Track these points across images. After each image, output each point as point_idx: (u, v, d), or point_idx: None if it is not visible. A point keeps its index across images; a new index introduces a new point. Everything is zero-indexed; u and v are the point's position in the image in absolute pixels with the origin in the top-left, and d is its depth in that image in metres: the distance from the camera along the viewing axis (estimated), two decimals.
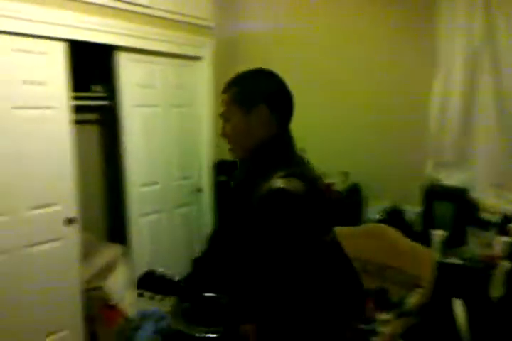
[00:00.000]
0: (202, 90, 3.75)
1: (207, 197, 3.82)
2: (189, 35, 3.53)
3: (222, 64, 3.78)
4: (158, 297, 1.58)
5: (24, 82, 2.53)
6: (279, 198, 1.24)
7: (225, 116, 1.42)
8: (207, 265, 1.69)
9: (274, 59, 3.60)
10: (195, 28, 3.57)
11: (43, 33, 2.57)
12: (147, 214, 3.35)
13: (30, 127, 2.57)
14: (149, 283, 1.57)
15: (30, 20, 2.50)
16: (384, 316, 2.34)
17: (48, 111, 2.66)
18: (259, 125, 1.37)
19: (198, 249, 3.60)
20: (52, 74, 2.67)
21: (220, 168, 3.75)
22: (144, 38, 3.16)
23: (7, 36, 2.43)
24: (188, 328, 2.23)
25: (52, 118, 2.67)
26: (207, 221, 3.80)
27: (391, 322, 2.31)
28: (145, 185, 3.32)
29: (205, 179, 3.81)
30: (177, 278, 1.59)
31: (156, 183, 3.41)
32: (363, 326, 2.23)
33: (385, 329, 2.25)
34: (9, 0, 2.40)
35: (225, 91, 1.43)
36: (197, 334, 2.19)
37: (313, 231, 1.29)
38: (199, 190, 3.76)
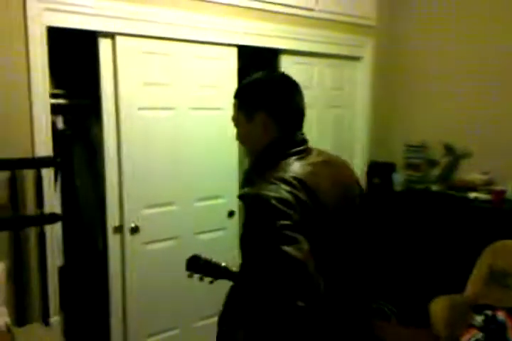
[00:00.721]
0: (360, 91, 3.73)
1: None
2: (350, 36, 3.53)
3: (381, 64, 3.71)
4: (207, 279, 1.68)
5: (201, 85, 2.79)
6: (252, 203, 1.26)
7: (234, 121, 1.45)
8: None
9: (440, 59, 3.45)
10: (356, 27, 3.55)
11: (215, 39, 2.79)
12: None
13: (204, 127, 2.82)
14: (197, 266, 1.68)
15: (207, 29, 2.73)
16: None
17: (216, 112, 2.89)
18: (260, 131, 1.38)
19: None
20: (224, 78, 2.89)
21: (374, 169, 3.69)
22: (306, 41, 3.24)
23: (188, 44, 2.70)
24: None
25: (221, 118, 2.90)
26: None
27: None
28: None
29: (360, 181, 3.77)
30: (223, 264, 1.67)
31: None
32: None
33: None
34: (192, 11, 2.66)
35: (235, 96, 1.44)
36: None
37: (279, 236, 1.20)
38: None
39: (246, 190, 1.32)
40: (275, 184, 1.25)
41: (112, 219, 2.54)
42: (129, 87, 2.51)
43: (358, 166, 3.74)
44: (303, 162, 1.36)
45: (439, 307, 2.51)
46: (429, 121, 3.58)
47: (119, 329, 2.60)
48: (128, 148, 2.54)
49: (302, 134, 1.43)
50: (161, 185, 2.69)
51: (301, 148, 1.40)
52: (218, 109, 2.87)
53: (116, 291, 2.57)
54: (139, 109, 2.56)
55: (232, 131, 1.48)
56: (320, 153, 1.47)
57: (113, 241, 2.55)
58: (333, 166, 1.46)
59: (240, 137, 1.45)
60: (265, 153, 1.39)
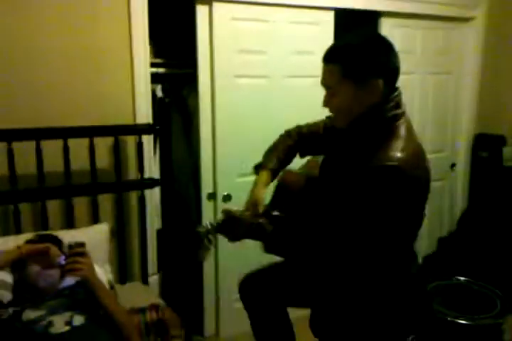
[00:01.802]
0: (468, 57, 3.41)
1: (461, 174, 3.55)
2: None
3: (495, 27, 3.34)
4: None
5: (297, 52, 2.70)
6: (391, 175, 1.24)
7: (330, 88, 1.34)
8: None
9: None
10: None
11: (313, 3, 2.67)
12: None
13: (301, 95, 2.74)
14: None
15: None
16: None
17: (312, 80, 2.79)
18: (369, 98, 1.33)
19: (446, 228, 3.42)
20: (320, 44, 2.77)
21: (480, 142, 3.41)
22: (409, 1, 3.00)
23: (284, 8, 2.61)
24: None
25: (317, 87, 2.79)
26: (459, 199, 3.56)
27: None
28: None
29: (462, 154, 3.53)
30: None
31: None
32: None
33: None
34: None
35: (334, 60, 1.32)
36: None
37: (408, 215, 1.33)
38: (453, 165, 3.51)
39: (377, 160, 1.27)
40: (405, 156, 1.26)
41: (206, 186, 2.60)
42: (225, 54, 2.50)
43: (463, 138, 3.48)
44: (408, 125, 1.36)
45: None
46: None
47: (212, 290, 2.69)
48: (222, 116, 2.55)
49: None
50: (254, 153, 2.69)
51: (403, 109, 1.38)
52: (314, 76, 2.77)
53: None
54: (235, 76, 2.55)
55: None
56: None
57: (207, 207, 2.62)
58: None
59: (338, 104, 1.36)
60: (370, 118, 1.34)
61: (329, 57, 1.36)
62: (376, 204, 1.25)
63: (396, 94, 1.37)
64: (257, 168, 1.73)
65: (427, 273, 2.77)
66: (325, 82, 1.37)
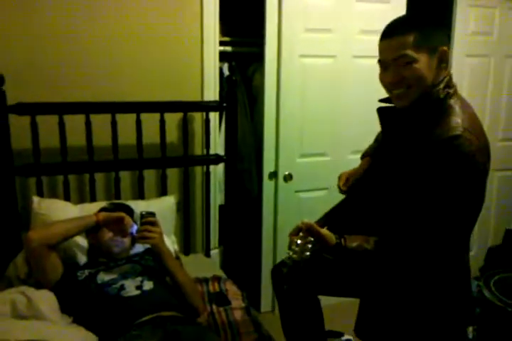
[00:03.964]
0: None
1: None
2: None
3: None
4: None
5: (364, 31, 2.64)
6: (457, 145, 1.26)
7: (401, 60, 1.33)
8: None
9: None
10: None
11: None
12: None
13: (367, 76, 2.70)
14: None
15: None
16: None
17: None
18: (440, 65, 1.36)
19: None
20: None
21: None
22: None
23: None
24: None
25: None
26: None
27: None
28: None
29: None
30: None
31: None
32: None
33: None
34: None
35: (405, 30, 1.33)
36: None
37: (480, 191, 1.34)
38: None
39: (439, 134, 1.29)
40: (467, 127, 1.28)
41: (268, 165, 2.63)
42: (292, 33, 2.49)
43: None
44: (462, 103, 1.38)
45: None
46: None
47: (269, 267, 2.74)
48: (286, 96, 2.55)
49: None
50: (317, 135, 2.69)
51: (455, 88, 1.40)
52: None
53: (267, 232, 2.71)
54: (300, 56, 2.54)
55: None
56: None
57: (267, 186, 2.65)
58: None
59: (415, 73, 1.34)
60: (434, 93, 1.35)
61: (399, 28, 1.35)
62: (449, 180, 1.26)
63: (447, 72, 1.40)
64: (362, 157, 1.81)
65: (491, 265, 2.70)
66: (396, 55, 1.35)
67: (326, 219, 1.61)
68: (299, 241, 1.31)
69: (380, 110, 1.56)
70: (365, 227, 1.46)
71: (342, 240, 1.36)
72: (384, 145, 1.56)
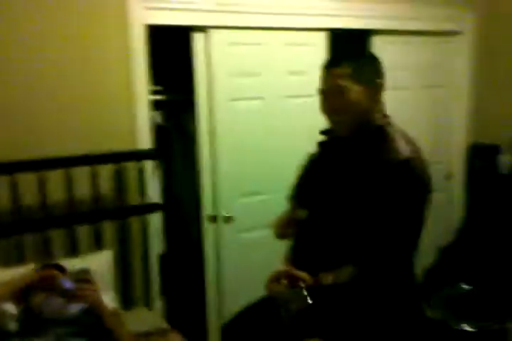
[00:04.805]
0: (459, 68, 3.46)
1: (458, 185, 3.57)
2: (447, 10, 3.25)
3: (485, 38, 3.40)
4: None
5: (290, 72, 2.75)
6: (411, 167, 1.39)
7: (340, 89, 1.43)
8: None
9: None
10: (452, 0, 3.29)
11: (306, 25, 2.73)
12: None
13: (297, 114, 2.79)
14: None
15: (295, 14, 2.67)
16: None
17: (306, 99, 2.83)
18: (371, 100, 1.46)
19: (445, 238, 3.42)
20: (313, 64, 2.82)
21: (475, 152, 3.44)
22: (400, 18, 3.05)
23: (278, 32, 2.67)
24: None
25: (312, 106, 2.84)
26: (456, 209, 3.58)
27: None
28: None
29: (457, 165, 3.56)
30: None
31: None
32: None
33: None
34: None
35: (345, 64, 1.45)
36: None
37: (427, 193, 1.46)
38: (449, 177, 3.54)
39: (394, 155, 1.40)
40: (412, 151, 1.42)
41: (207, 208, 2.63)
42: (222, 78, 2.55)
43: (457, 148, 3.52)
44: (400, 131, 1.51)
45: None
46: None
47: (215, 313, 2.69)
48: (221, 139, 2.59)
49: None
50: (254, 175, 2.72)
51: (389, 118, 1.54)
52: (309, 96, 2.82)
53: (211, 276, 2.66)
54: (231, 100, 2.60)
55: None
56: None
57: (208, 229, 2.63)
58: None
59: (346, 106, 1.44)
60: (373, 121, 1.47)
61: (339, 61, 1.48)
62: (405, 197, 1.39)
63: (383, 103, 1.53)
64: None
65: (429, 284, 2.77)
66: (333, 84, 1.45)
67: (295, 255, 1.63)
68: (287, 291, 1.31)
69: (321, 143, 1.65)
70: (334, 254, 1.50)
71: (318, 279, 1.38)
72: (325, 175, 1.62)
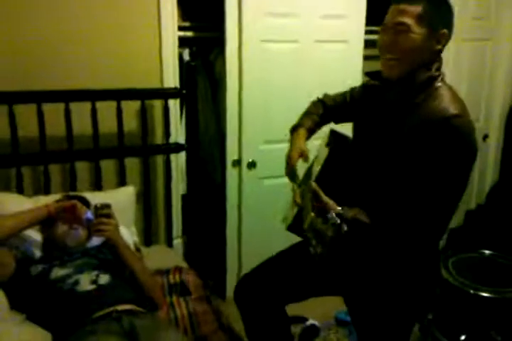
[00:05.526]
0: (506, 23, 3.22)
1: (494, 146, 3.44)
2: None
3: None
4: None
5: (326, 16, 2.60)
6: (457, 125, 1.29)
7: (402, 28, 1.33)
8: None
9: None
10: None
11: None
12: None
13: (329, 60, 2.67)
14: None
15: None
16: None
17: (342, 46, 2.70)
18: (436, 46, 1.35)
19: (475, 201, 3.36)
20: (352, 8, 2.67)
21: None
22: None
23: None
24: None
25: (346, 52, 2.72)
26: (489, 172, 3.47)
27: None
28: None
29: (496, 125, 3.41)
30: None
31: None
32: None
33: None
34: None
35: (412, 2, 1.33)
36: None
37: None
38: (485, 137, 3.40)
39: (441, 110, 1.31)
40: (461, 108, 1.31)
41: (231, 153, 2.59)
42: (253, 18, 2.42)
43: (497, 107, 3.36)
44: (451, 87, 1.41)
45: None
46: None
47: (235, 255, 2.72)
48: (249, 82, 2.50)
49: None
50: (280, 120, 2.65)
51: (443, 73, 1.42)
52: (344, 41, 2.69)
53: (232, 221, 2.66)
54: (262, 41, 2.48)
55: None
56: None
57: (231, 174, 2.61)
58: None
59: (408, 44, 1.34)
60: (425, 73, 1.37)
61: (418, 2, 1.35)
62: (448, 158, 1.28)
63: (440, 57, 1.41)
64: (293, 130, 1.68)
65: (452, 247, 2.74)
66: (397, 20, 1.35)
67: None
68: (318, 220, 1.26)
69: (365, 86, 1.57)
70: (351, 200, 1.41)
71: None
72: (366, 121, 1.53)
